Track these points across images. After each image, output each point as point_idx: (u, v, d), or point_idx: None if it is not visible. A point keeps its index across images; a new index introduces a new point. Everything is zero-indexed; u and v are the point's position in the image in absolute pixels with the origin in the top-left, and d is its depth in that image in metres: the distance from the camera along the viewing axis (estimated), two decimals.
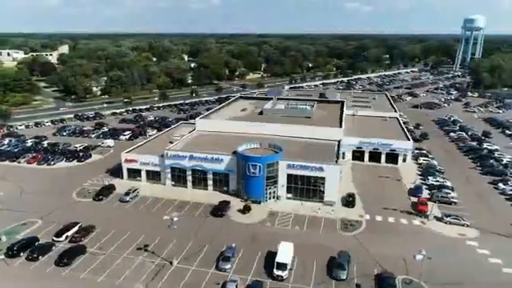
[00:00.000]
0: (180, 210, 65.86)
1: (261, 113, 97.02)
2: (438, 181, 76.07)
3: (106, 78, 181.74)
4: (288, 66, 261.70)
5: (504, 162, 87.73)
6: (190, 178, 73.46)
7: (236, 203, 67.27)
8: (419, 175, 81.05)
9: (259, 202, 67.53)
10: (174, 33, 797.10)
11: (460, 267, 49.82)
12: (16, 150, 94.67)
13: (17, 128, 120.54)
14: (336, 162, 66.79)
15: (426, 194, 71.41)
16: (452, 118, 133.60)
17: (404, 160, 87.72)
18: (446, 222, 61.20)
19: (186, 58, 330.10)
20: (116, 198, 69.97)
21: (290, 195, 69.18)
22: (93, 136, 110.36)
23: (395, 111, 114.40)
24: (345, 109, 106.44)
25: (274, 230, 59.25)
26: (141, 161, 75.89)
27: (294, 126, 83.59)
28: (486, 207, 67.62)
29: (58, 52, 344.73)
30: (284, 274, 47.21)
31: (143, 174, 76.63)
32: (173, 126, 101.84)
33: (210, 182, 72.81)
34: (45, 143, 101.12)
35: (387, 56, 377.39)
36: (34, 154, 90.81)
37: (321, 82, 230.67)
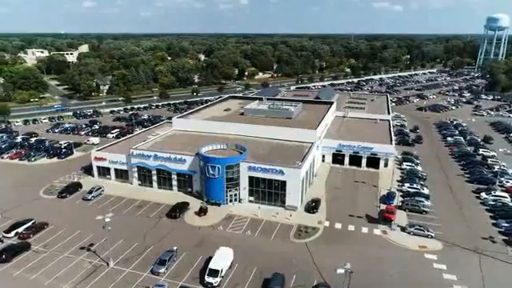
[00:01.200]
0: (139, 210, 65.17)
1: (242, 113, 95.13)
2: (414, 188, 71.74)
3: (110, 77, 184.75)
4: (298, 65, 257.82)
5: (495, 169, 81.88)
6: (155, 177, 72.69)
7: (196, 205, 65.79)
8: (399, 181, 76.88)
9: (219, 205, 65.79)
10: (204, 33, 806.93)
11: (407, 282, 46.34)
12: (3, 146, 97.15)
13: (14, 124, 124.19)
14: (299, 165, 63.96)
15: (399, 201, 67.48)
16: (455, 122, 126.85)
17: (386, 165, 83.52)
18: (409, 233, 57.36)
19: (202, 57, 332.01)
20: (80, 195, 70.10)
21: (252, 198, 67.05)
22: (82, 133, 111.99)
23: (389, 113, 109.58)
24: (332, 110, 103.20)
25: (224, 235, 57.38)
26: (110, 159, 75.82)
27: (268, 126, 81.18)
28: (461, 218, 62.99)
29: (78, 51, 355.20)
30: (215, 281, 45.30)
31: (112, 172, 76.55)
32: (156, 125, 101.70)
33: (175, 183, 71.75)
34: (32, 140, 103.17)
35: (407, 56, 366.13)
36: (18, 150, 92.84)
37: (330, 82, 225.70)
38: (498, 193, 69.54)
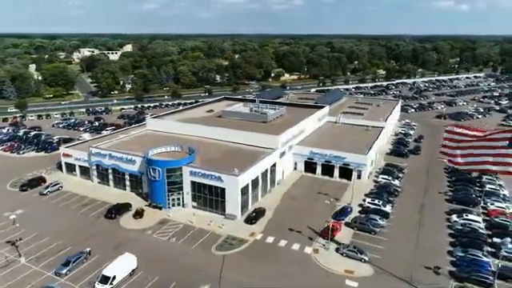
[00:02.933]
0: (84, 207, 65.83)
1: (220, 115, 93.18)
2: (375, 204, 65.12)
3: (132, 76, 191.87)
4: (327, 67, 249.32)
5: (486, 189, 72.04)
6: (111, 176, 73.30)
7: (141, 206, 65.07)
8: (366, 195, 70.24)
9: (160, 208, 64.52)
10: (255, 34, 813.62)
11: None
12: (4, 138, 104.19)
13: (28, 118, 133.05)
14: (238, 173, 60.53)
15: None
16: None
17: (359, 176, 76.96)
18: (342, 254, 51.95)
19: (236, 57, 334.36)
20: (41, 190, 72.62)
21: (195, 204, 65.01)
22: (81, 129, 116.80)
23: (385, 121, 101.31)
24: (319, 115, 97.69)
25: (148, 240, 56.03)
26: (74, 156, 77.81)
27: (232, 130, 78.35)
28: (413, 242, 55.85)
29: (122, 51, 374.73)
30: None
31: (77, 169, 78.49)
32: (139, 124, 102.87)
33: (128, 183, 71.77)
34: (31, 133, 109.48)
35: (457, 59, 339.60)
36: (11, 143, 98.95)
37: (355, 85, 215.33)
38: (471, 216, 60.79)
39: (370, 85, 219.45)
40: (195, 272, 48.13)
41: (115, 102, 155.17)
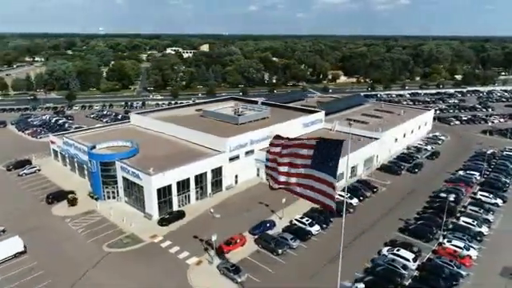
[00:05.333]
0: (42, 192, 71.48)
1: (202, 115, 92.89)
2: (302, 223, 58.22)
3: (181, 74, 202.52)
4: (389, 70, 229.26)
5: (459, 222, 58.94)
6: (76, 165, 78.76)
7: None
8: (305, 213, 63.04)
9: (97, 199, 67.20)
10: (350, 35, 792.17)
11: None
12: (35, 123, 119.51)
13: (71, 108, 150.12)
14: (153, 173, 59.58)
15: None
16: (505, 153, 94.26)
17: None
18: (220, 270, 47.73)
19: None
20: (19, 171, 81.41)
21: (127, 199, 66.20)
22: (104, 120, 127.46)
23: (382, 132, 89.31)
24: (306, 120, 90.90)
25: (60, 227, 58.98)
26: (57, 144, 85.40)
27: (188, 129, 77.46)
28: (312, 272, 48.59)
29: (195, 51, 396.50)
30: None
31: (59, 155, 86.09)
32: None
33: (86, 172, 76.26)
34: (60, 122, 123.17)
35: None
36: (35, 129, 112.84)
37: (412, 91, 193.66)
38: (402, 252, 50.34)
39: (432, 91, 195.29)
40: (72, 265, 49.22)
41: (151, 97, 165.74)
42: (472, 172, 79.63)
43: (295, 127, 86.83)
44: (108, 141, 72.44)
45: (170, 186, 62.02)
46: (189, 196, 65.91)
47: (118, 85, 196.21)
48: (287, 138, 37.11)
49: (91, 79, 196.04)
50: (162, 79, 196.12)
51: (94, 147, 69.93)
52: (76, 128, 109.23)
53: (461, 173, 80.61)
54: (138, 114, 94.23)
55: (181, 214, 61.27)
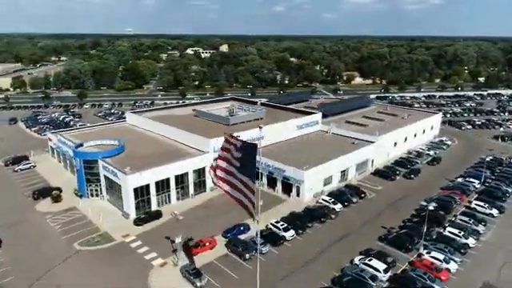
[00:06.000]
0: (31, 187, 73.32)
1: (196, 115, 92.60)
2: (277, 227, 56.59)
3: (193, 74, 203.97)
4: (406, 72, 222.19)
5: (444, 232, 55.60)
6: (68, 162, 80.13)
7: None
8: (285, 217, 61.34)
9: (81, 196, 67.99)
10: (380, 35, 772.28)
11: None
12: (43, 120, 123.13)
13: (82, 106, 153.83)
14: (130, 172, 59.49)
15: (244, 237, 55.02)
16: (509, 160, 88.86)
17: (298, 194, 67.74)
18: (182, 273, 46.95)
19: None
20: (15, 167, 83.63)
21: (109, 197, 66.63)
22: (109, 119, 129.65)
23: (378, 136, 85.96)
24: (299, 122, 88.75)
25: (39, 223, 59.96)
26: (53, 141, 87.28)
27: (178, 130, 77.15)
28: (278, 277, 46.95)
29: (219, 50, 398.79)
30: None
31: (55, 153, 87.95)
32: None
33: (75, 169, 77.40)
34: (66, 119, 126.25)
35: None
36: (41, 126, 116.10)
37: (428, 93, 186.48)
38: (374, 262, 47.73)
39: (450, 94, 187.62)
40: (40, 261, 49.76)
41: (159, 96, 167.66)
42: (471, 179, 75.34)
43: (288, 129, 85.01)
44: (96, 139, 73.30)
45: (148, 186, 61.87)
46: (169, 196, 65.60)
47: (130, 84, 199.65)
48: (235, 138, 36.08)
49: (106, 78, 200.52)
50: (174, 79, 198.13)
51: (80, 145, 71.12)
52: (80, 126, 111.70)
53: (459, 180, 76.46)
54: (134, 112, 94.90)
55: (157, 214, 61.00)
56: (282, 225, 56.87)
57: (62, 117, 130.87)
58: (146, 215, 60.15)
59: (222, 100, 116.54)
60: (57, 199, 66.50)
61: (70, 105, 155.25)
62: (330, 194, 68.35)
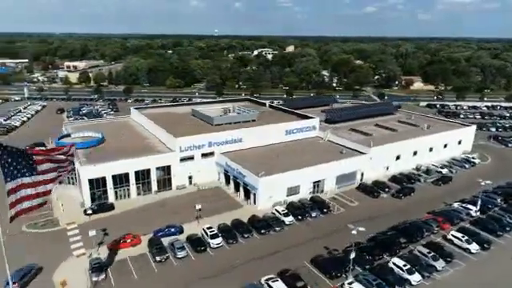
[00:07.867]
0: None
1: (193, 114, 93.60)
2: (215, 235, 54.51)
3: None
4: (475, 78, 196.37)
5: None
6: None
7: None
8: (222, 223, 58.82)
9: (60, 183, 73.41)
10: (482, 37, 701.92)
11: None
12: (83, 112, 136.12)
13: (126, 101, 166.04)
14: (88, 163, 62.34)
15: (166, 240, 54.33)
16: None
17: (254, 201, 64.45)
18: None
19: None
20: None
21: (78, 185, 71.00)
22: None
23: (371, 147, 77.38)
24: (292, 127, 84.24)
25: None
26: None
27: (158, 128, 78.75)
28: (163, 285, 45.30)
29: (286, 51, 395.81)
30: None
31: None
32: None
33: None
34: (102, 112, 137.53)
35: None
36: (76, 117, 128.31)
37: (490, 103, 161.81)
38: (277, 284, 43.13)
39: (505, 105, 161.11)
40: None
41: (197, 94, 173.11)
42: (469, 206, 63.80)
43: (272, 133, 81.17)
44: (84, 131, 78.64)
45: (104, 179, 64.41)
46: (128, 190, 67.47)
47: (179, 82, 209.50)
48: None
49: (160, 76, 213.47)
50: (219, 78, 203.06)
51: (67, 135, 76.94)
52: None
53: (455, 205, 65.33)
54: (136, 109, 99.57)
55: (109, 207, 63.18)
56: (211, 231, 54.68)
57: (100, 109, 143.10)
58: (96, 207, 62.69)
59: (236, 100, 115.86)
60: None
61: (116, 99, 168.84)
62: (288, 205, 63.78)
